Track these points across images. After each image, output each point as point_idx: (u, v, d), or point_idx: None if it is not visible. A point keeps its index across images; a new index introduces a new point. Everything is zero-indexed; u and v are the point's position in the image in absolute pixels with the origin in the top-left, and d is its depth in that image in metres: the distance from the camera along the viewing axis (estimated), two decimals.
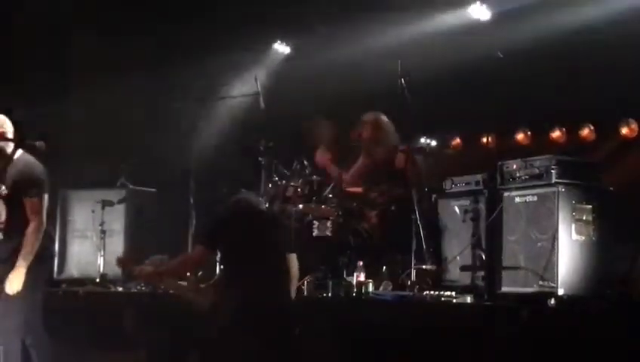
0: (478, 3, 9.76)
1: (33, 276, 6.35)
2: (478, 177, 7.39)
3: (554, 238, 6.50)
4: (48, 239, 6.64)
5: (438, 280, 7.35)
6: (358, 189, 8.29)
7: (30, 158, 6.55)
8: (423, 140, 8.50)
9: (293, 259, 6.67)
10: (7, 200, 6.44)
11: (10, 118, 6.60)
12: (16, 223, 6.39)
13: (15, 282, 6.29)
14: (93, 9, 10.53)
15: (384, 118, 8.43)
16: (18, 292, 6.29)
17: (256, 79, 9.19)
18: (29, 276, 6.32)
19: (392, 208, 7.97)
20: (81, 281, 9.32)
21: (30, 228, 6.36)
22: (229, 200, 6.63)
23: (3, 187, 6.45)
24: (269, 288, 6.34)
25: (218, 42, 10.53)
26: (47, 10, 10.31)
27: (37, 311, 6.50)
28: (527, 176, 6.83)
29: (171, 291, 7.06)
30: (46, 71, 10.59)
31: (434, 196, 7.76)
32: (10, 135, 6.51)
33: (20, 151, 6.52)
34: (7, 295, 6.30)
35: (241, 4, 10.30)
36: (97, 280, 9.23)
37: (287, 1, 10.14)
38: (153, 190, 10.03)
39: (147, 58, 11.19)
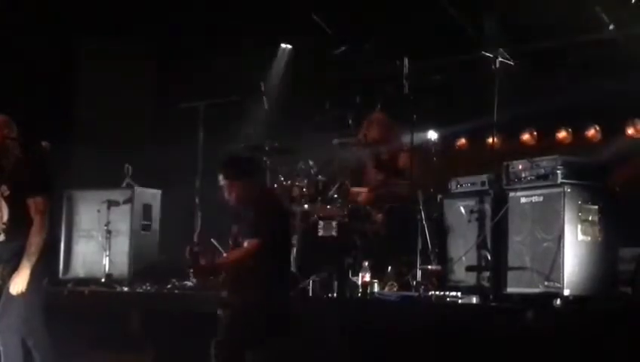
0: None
1: (35, 276, 6.35)
2: (484, 177, 7.36)
3: (560, 239, 6.49)
4: (51, 239, 6.64)
5: (443, 280, 7.33)
6: (364, 189, 8.28)
7: (34, 158, 6.54)
8: (428, 138, 8.46)
9: None
10: (10, 200, 6.43)
11: (15, 118, 6.61)
12: (19, 224, 6.37)
13: (20, 283, 6.29)
14: (96, 9, 10.54)
15: (389, 117, 8.41)
16: (21, 293, 6.30)
17: (260, 79, 9.18)
18: (30, 276, 6.31)
19: (397, 208, 7.96)
20: (87, 281, 9.30)
21: (34, 229, 6.34)
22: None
23: (4, 187, 6.44)
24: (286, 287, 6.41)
25: (223, 42, 10.53)
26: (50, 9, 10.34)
27: (36, 311, 6.49)
28: (532, 177, 6.82)
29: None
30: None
31: (439, 196, 7.75)
32: (14, 135, 6.51)
33: (24, 152, 6.52)
34: (9, 294, 6.31)
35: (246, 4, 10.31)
36: (103, 280, 9.22)
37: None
38: (159, 190, 10.01)
39: (154, 58, 11.21)
